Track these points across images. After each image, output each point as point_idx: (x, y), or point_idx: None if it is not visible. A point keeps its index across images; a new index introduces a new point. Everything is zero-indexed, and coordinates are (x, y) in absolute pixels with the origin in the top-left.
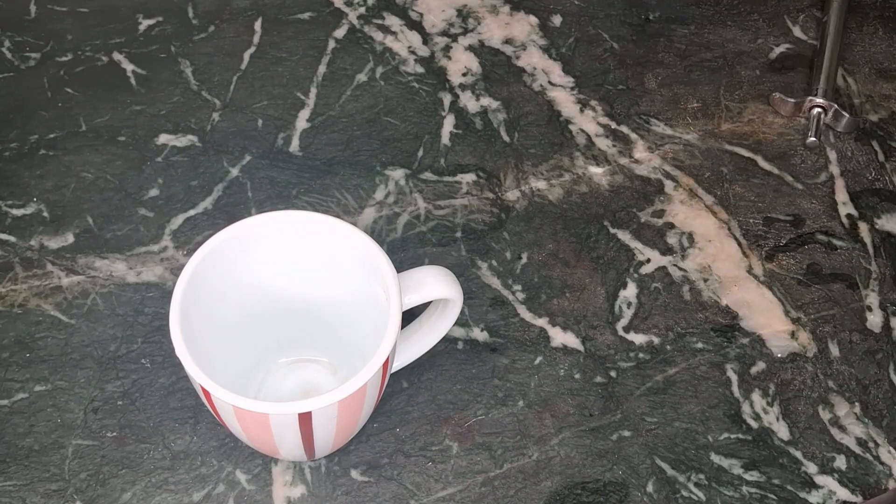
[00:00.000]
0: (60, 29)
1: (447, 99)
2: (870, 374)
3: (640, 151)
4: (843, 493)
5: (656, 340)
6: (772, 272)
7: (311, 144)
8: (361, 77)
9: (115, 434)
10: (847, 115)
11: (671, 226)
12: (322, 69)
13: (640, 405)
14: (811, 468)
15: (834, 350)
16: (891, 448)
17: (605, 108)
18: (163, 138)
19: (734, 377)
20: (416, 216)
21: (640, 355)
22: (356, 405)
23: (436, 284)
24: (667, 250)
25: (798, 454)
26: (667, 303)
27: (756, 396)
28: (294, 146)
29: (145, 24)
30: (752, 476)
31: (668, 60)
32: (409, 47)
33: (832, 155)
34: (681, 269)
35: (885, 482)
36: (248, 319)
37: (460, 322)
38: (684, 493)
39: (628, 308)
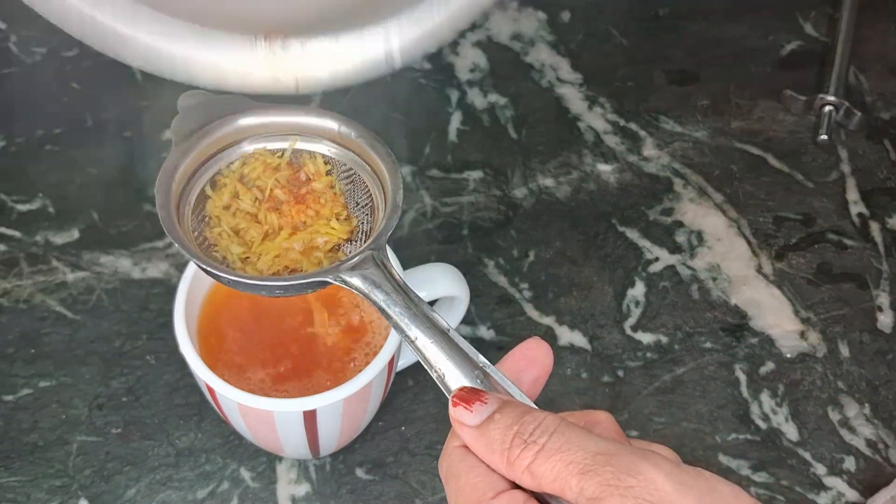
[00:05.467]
0: None
1: (454, 95)
2: (880, 374)
3: (648, 149)
4: (852, 495)
5: (664, 340)
6: (781, 271)
7: None
8: None
9: (119, 430)
10: (858, 113)
11: (680, 224)
12: None
13: (647, 405)
14: (820, 469)
15: (844, 350)
16: None
17: (613, 104)
18: (168, 134)
19: (743, 377)
20: (422, 213)
21: (648, 355)
22: (361, 403)
23: (442, 282)
24: (675, 249)
25: (807, 455)
26: (675, 302)
27: (765, 397)
28: None
29: None
30: (760, 477)
31: (678, 57)
32: None
33: (843, 153)
34: (689, 267)
35: None
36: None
37: (466, 320)
38: None
39: (636, 307)
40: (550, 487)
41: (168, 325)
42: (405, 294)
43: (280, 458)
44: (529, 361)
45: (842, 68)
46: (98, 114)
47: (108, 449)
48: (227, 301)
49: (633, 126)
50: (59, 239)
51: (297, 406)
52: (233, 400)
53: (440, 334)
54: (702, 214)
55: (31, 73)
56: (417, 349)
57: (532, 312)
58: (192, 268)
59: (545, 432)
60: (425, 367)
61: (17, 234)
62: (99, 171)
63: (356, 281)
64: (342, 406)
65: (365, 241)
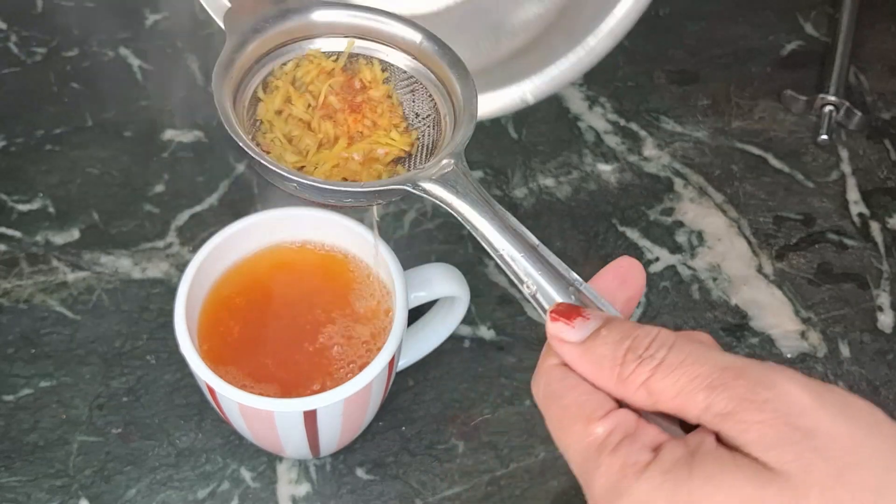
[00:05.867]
0: (67, 24)
1: None
2: (880, 374)
3: (649, 149)
4: None
5: None
6: (782, 271)
7: None
8: None
9: (119, 430)
10: (859, 113)
11: (680, 224)
12: None
13: None
14: None
15: (844, 350)
16: None
17: (614, 104)
18: (169, 134)
19: None
20: (423, 213)
21: None
22: (361, 403)
23: (442, 282)
24: (676, 249)
25: None
26: (675, 302)
27: None
28: None
29: (151, 19)
30: None
31: (679, 57)
32: None
33: (844, 153)
34: (690, 267)
35: None
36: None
37: (467, 320)
38: None
39: (636, 307)
40: (670, 405)
41: (168, 325)
42: (490, 206)
43: (280, 458)
44: (622, 280)
45: (842, 68)
46: (98, 114)
47: (108, 449)
48: (227, 300)
49: (633, 126)
50: (59, 239)
51: (297, 406)
52: (233, 400)
53: (529, 248)
54: (702, 214)
55: (32, 72)
56: (506, 263)
57: (533, 312)
58: (193, 267)
59: (663, 346)
60: (515, 282)
61: (17, 234)
62: (99, 172)
63: (438, 190)
64: (342, 406)
65: (426, 157)
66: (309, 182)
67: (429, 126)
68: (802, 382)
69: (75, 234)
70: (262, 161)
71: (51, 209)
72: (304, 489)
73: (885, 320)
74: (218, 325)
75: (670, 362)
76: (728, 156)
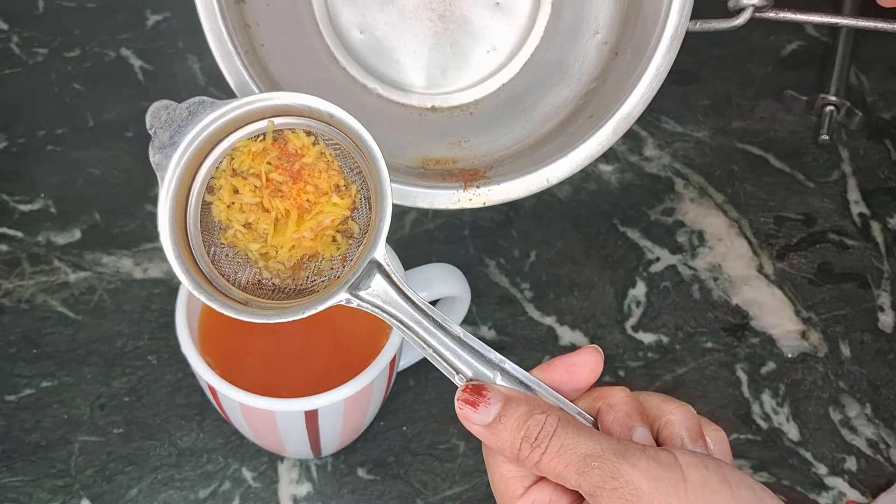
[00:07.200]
0: (68, 24)
1: None
2: (881, 374)
3: (650, 149)
4: (854, 495)
5: (665, 340)
6: (782, 271)
7: None
8: None
9: (121, 430)
10: (859, 113)
11: (681, 224)
12: None
13: None
14: (821, 469)
15: (845, 350)
16: None
17: None
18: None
19: (744, 377)
20: (423, 213)
21: (649, 354)
22: (362, 403)
23: (443, 282)
24: (676, 249)
25: (808, 455)
26: (676, 302)
27: (766, 397)
28: None
29: (153, 19)
30: (761, 477)
31: (679, 57)
32: None
33: (844, 153)
34: (690, 267)
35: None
36: None
37: (468, 320)
38: None
39: (637, 307)
40: (555, 480)
41: (170, 325)
42: (415, 307)
43: (282, 458)
44: (571, 376)
45: (843, 68)
46: (99, 114)
47: (109, 449)
48: None
49: (634, 126)
50: (60, 239)
51: (298, 406)
52: (234, 400)
53: (456, 341)
54: (703, 214)
55: (33, 73)
56: (437, 360)
57: (533, 312)
58: None
59: (546, 436)
60: (448, 376)
61: (18, 234)
62: (100, 172)
63: (368, 305)
64: (343, 406)
65: (368, 207)
66: (260, 320)
67: (362, 179)
68: (643, 467)
69: (77, 234)
70: (215, 307)
71: (52, 209)
72: (305, 489)
73: (885, 320)
74: (219, 325)
75: (551, 450)
76: (728, 156)
